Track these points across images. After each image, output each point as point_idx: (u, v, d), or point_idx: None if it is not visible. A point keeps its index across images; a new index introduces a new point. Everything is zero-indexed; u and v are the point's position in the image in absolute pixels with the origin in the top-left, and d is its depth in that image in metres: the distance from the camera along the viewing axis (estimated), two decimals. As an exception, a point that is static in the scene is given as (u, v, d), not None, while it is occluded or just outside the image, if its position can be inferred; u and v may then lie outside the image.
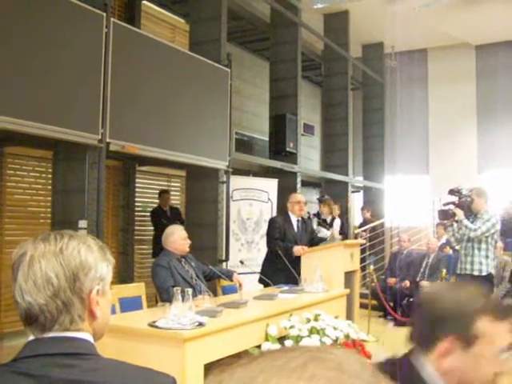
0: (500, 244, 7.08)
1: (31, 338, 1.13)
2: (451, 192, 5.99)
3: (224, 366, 0.62)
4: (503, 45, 11.77)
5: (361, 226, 10.91)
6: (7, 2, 4.31)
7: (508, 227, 8.62)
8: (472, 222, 5.87)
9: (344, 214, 10.16)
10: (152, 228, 8.33)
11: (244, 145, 10.14)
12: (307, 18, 9.47)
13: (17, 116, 4.33)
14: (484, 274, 5.90)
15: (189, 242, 4.61)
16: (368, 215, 10.86)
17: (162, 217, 7.92)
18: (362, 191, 12.36)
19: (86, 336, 1.15)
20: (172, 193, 8.85)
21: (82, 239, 1.19)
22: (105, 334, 1.23)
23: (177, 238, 4.53)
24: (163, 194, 8.30)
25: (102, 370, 1.10)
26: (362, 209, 11.23)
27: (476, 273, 5.85)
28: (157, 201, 8.38)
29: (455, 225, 5.95)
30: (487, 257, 5.87)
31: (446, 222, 6.25)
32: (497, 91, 11.94)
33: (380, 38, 12.01)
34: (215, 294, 4.82)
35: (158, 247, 6.30)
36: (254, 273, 5.88)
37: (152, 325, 3.18)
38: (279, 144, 8.59)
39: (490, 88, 12.02)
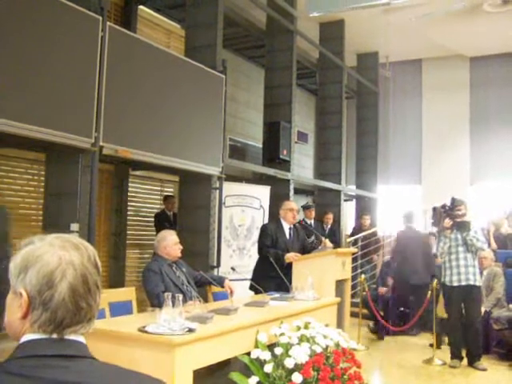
0: (491, 255, 7.10)
1: (25, 338, 1.12)
2: (457, 203, 6.02)
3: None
4: (497, 57, 11.88)
5: (353, 232, 10.88)
6: (2, 5, 4.31)
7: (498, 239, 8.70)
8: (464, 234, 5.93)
9: (336, 223, 10.18)
10: (144, 233, 8.29)
11: (237, 151, 10.14)
12: (303, 26, 9.51)
13: (10, 118, 4.32)
14: (478, 284, 5.94)
15: (180, 247, 4.59)
16: (367, 223, 10.77)
17: (166, 221, 7.90)
18: (354, 200, 12.37)
19: (80, 338, 1.15)
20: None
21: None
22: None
23: (169, 242, 4.52)
24: (169, 198, 8.27)
25: (96, 372, 1.10)
26: (362, 215, 11.14)
27: (471, 283, 5.89)
28: (148, 205, 8.34)
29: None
30: (475, 266, 5.95)
31: (436, 231, 6.29)
32: (490, 103, 12.04)
33: (375, 48, 12.08)
34: (206, 300, 4.81)
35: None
36: (246, 279, 5.87)
37: (142, 330, 3.17)
38: (273, 151, 8.59)
39: (483, 99, 12.12)
